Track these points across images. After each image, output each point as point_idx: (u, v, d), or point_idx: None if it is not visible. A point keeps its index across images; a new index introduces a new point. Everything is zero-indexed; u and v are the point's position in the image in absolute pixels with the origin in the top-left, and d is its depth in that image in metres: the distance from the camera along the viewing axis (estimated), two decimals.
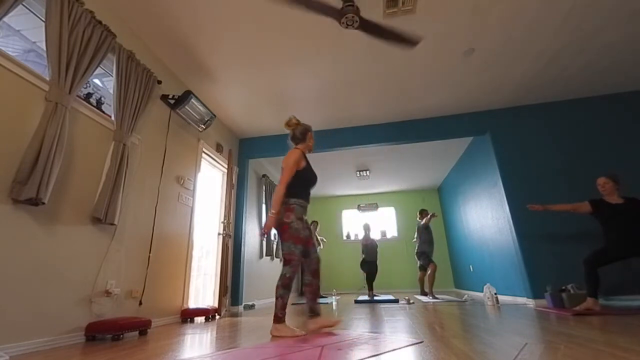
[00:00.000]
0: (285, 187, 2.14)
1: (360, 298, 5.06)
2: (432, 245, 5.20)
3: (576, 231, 3.55)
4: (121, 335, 2.05)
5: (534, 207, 3.24)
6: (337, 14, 2.26)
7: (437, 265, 5.34)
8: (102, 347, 1.82)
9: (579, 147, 3.87)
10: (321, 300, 5.12)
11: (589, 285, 2.74)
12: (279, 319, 2.03)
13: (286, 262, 2.09)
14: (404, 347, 1.52)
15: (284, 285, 2.05)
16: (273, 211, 2.09)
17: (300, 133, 2.38)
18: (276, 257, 5.93)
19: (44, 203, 1.78)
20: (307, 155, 2.39)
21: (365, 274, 5.37)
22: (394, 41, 2.52)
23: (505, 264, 4.14)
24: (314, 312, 2.17)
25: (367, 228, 5.55)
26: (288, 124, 2.40)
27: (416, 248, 5.32)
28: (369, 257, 5.33)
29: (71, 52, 2.04)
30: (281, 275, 2.07)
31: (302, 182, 2.23)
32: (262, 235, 2.22)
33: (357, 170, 6.44)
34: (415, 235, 5.42)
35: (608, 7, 2.67)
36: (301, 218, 2.16)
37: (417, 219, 5.51)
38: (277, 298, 2.06)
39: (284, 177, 2.15)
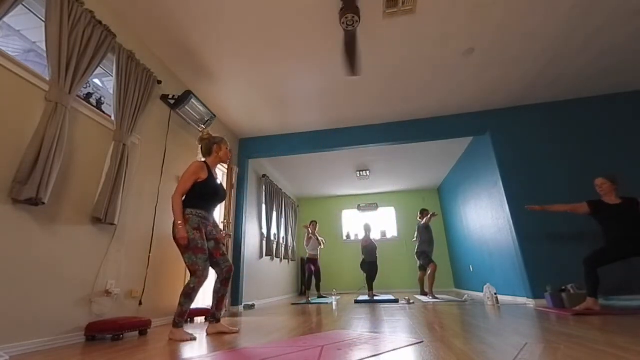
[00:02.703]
0: (180, 197, 2.17)
1: (360, 298, 5.06)
2: (432, 245, 5.20)
3: (576, 231, 3.55)
4: (121, 335, 2.05)
5: (533, 207, 3.25)
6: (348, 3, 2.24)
7: (437, 265, 5.32)
8: (102, 347, 1.82)
9: (579, 147, 3.87)
10: (321, 300, 5.12)
11: (589, 285, 2.74)
12: (175, 323, 2.07)
13: (191, 273, 2.12)
14: (404, 347, 1.52)
15: (185, 294, 2.08)
16: (179, 222, 2.10)
17: (205, 148, 2.46)
18: (276, 257, 5.93)
19: (44, 203, 1.78)
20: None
21: (365, 274, 5.37)
22: (348, 61, 2.59)
23: (505, 264, 4.14)
24: (214, 318, 2.28)
25: (367, 229, 5.54)
26: (200, 139, 2.49)
27: (416, 248, 5.32)
28: (369, 257, 5.33)
29: (71, 52, 2.04)
30: (186, 284, 2.11)
31: (200, 194, 2.25)
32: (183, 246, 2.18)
33: (357, 170, 6.44)
34: (416, 235, 5.42)
35: (608, 7, 2.67)
36: (198, 228, 2.17)
37: (418, 218, 5.51)
38: (178, 304, 2.09)
39: (177, 187, 2.18)
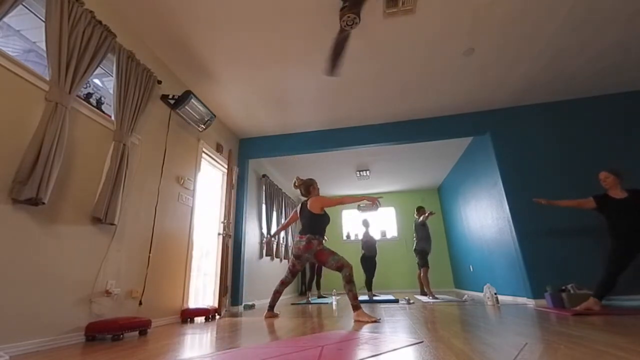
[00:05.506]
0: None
1: (361, 298, 5.06)
2: (429, 241, 5.25)
3: (576, 231, 3.55)
4: (121, 335, 2.05)
5: (539, 200, 3.22)
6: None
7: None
8: (102, 347, 1.82)
9: (579, 146, 3.87)
10: (321, 300, 5.12)
11: (602, 288, 2.69)
12: (356, 307, 2.57)
13: (340, 268, 2.71)
14: (404, 347, 1.52)
15: (350, 282, 2.65)
16: (350, 201, 2.87)
17: (305, 190, 3.10)
18: (276, 257, 5.93)
19: (44, 203, 1.78)
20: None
21: (364, 275, 5.41)
22: (332, 60, 2.66)
23: (505, 264, 4.14)
24: (272, 308, 3.07)
25: (366, 224, 5.62)
26: (294, 186, 3.16)
27: (414, 245, 5.35)
28: (368, 252, 5.39)
29: (71, 52, 2.04)
30: (343, 276, 2.67)
31: (325, 223, 2.95)
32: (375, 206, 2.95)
33: (357, 170, 6.44)
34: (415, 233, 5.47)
35: (608, 8, 2.67)
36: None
37: (415, 215, 5.54)
38: (349, 292, 2.62)
39: (339, 200, 2.86)
